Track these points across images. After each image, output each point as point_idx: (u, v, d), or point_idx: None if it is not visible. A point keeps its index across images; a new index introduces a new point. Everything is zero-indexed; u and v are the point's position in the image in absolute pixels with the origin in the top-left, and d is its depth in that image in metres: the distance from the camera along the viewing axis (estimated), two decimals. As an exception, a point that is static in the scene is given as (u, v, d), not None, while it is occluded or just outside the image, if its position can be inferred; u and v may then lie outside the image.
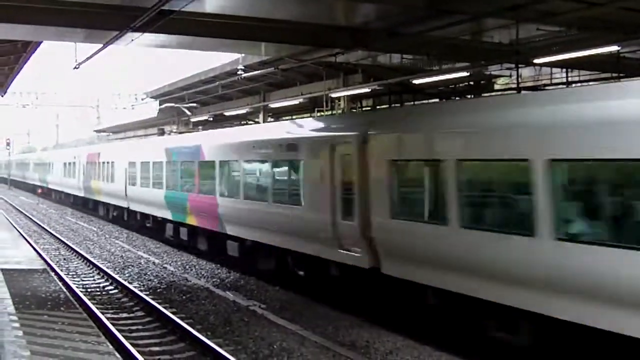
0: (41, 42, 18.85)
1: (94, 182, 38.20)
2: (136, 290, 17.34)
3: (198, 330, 13.41)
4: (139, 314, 15.71)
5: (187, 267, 21.92)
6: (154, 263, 22.62)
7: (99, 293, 18.10)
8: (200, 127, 35.05)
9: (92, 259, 22.74)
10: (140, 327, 14.52)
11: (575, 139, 9.33)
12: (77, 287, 18.06)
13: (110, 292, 18.29)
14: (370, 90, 23.39)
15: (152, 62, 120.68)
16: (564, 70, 22.38)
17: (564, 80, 22.60)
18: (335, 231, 14.71)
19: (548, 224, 9.59)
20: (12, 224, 33.53)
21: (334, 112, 26.34)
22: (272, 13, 15.70)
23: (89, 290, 18.37)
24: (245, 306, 15.99)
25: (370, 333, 13.49)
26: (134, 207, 30.59)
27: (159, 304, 15.87)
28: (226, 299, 16.92)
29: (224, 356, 11.67)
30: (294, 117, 32.13)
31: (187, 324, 13.89)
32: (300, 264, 17.33)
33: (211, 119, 35.79)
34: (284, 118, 34.31)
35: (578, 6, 13.97)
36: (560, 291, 9.55)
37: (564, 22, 15.80)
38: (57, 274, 19.47)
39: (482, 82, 24.94)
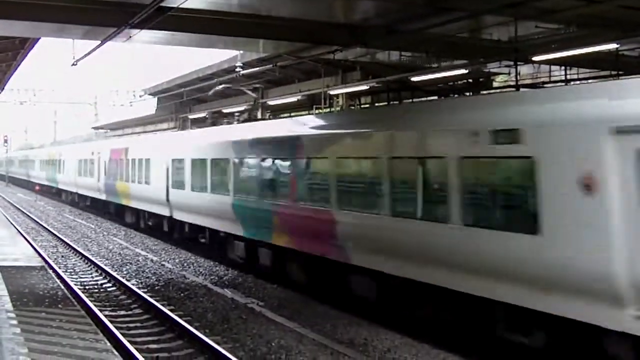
0: (39, 38, 18.82)
1: (120, 184, 32.03)
2: (134, 288, 17.32)
3: (196, 328, 13.39)
4: (137, 311, 15.70)
5: (185, 264, 21.90)
6: (152, 260, 22.60)
7: (97, 290, 18.08)
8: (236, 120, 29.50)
9: (90, 256, 22.71)
10: (138, 324, 14.50)
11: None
12: (75, 284, 18.05)
13: (108, 289, 18.27)
14: (368, 87, 23.37)
15: (150, 59, 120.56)
16: (563, 67, 22.37)
17: (563, 77, 22.59)
18: None
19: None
20: (9, 221, 33.47)
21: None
22: (271, 10, 15.68)
23: (87, 287, 18.35)
24: (244, 304, 15.98)
25: (369, 331, 13.48)
26: (180, 216, 24.48)
27: (157, 301, 15.86)
28: (224, 296, 16.91)
29: (222, 354, 11.65)
30: (291, 114, 32.08)
31: (185, 321, 13.87)
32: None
33: (208, 116, 35.74)
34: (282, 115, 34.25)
35: (577, 4, 13.97)
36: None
37: (563, 19, 15.79)
38: (55, 271, 19.44)
39: (480, 79, 24.94)
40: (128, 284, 17.97)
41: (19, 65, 24.38)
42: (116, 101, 50.84)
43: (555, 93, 11.73)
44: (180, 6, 13.21)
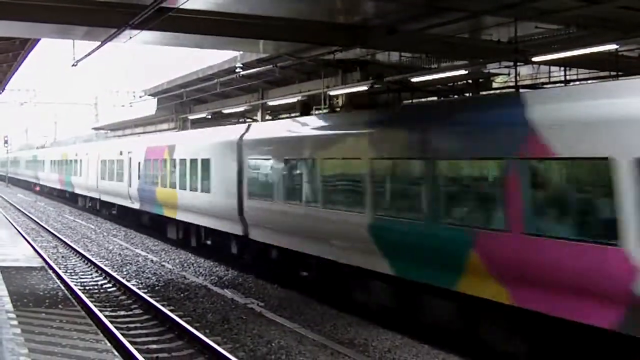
0: (39, 39, 18.81)
1: (162, 191, 26.28)
2: (134, 288, 17.33)
3: (196, 328, 13.41)
4: (137, 311, 15.71)
5: (185, 264, 21.90)
6: (152, 261, 22.61)
7: (97, 291, 18.09)
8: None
9: (90, 257, 22.73)
10: (138, 324, 14.52)
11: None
12: (75, 284, 18.06)
13: (109, 289, 18.28)
14: (368, 88, 23.36)
15: (150, 60, 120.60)
16: (563, 68, 22.37)
17: (562, 78, 22.59)
18: None
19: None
20: (10, 222, 33.48)
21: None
22: (271, 10, 15.67)
23: (87, 288, 18.36)
24: (244, 304, 15.98)
25: (369, 331, 13.49)
26: (260, 236, 18.48)
27: (157, 301, 15.87)
28: (224, 296, 16.92)
29: (222, 354, 11.66)
30: (291, 114, 32.06)
31: (185, 321, 13.89)
32: None
33: (209, 116, 35.73)
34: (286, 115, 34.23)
35: (577, 4, 13.96)
36: None
37: (563, 20, 15.78)
38: (55, 271, 19.46)
39: (480, 80, 24.93)
40: (128, 284, 17.98)
41: (19, 65, 24.37)
42: (116, 102, 50.83)
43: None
44: (181, 7, 13.21)
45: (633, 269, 8.62)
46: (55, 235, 29.27)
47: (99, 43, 17.13)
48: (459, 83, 24.71)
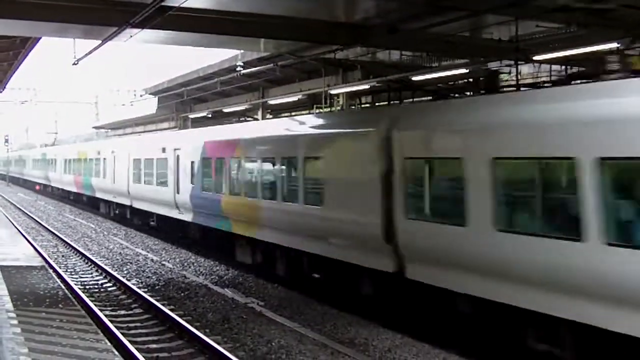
0: (40, 38, 18.81)
1: (230, 201, 20.07)
2: (134, 287, 17.31)
3: (196, 328, 13.39)
4: (137, 311, 15.69)
5: (186, 264, 21.89)
6: (152, 260, 22.59)
7: (97, 290, 18.07)
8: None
9: (90, 256, 22.70)
10: (138, 324, 14.50)
11: None
12: (75, 284, 18.04)
13: (109, 289, 18.26)
14: (369, 87, 23.37)
15: (151, 59, 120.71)
16: (564, 67, 22.34)
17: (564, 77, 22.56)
18: None
19: None
20: (10, 221, 33.46)
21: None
22: (272, 9, 15.66)
23: (87, 287, 18.34)
24: (244, 303, 15.96)
25: (369, 330, 13.47)
26: (431, 275, 12.48)
27: (158, 301, 15.86)
28: (224, 296, 16.90)
29: (222, 353, 11.65)
30: (292, 113, 32.05)
31: (186, 321, 13.87)
32: None
33: (210, 115, 35.75)
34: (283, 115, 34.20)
35: (578, 3, 13.95)
36: None
37: (564, 18, 15.77)
38: (55, 271, 19.44)
39: (481, 78, 24.90)
40: (128, 283, 17.97)
41: (19, 64, 24.36)
42: (117, 101, 50.84)
43: None
44: (181, 5, 13.20)
45: None
46: (56, 235, 29.25)
47: (99, 42, 17.12)
48: (460, 82, 24.69)
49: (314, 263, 16.22)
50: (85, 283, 18.97)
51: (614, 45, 16.32)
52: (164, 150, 25.97)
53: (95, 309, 14.74)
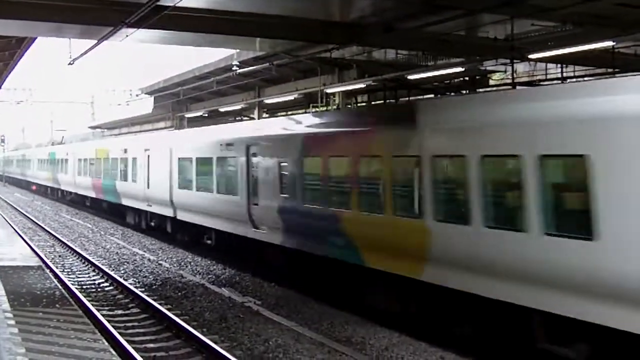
0: (35, 38, 18.78)
1: (360, 219, 14.22)
2: (131, 287, 17.32)
3: (194, 327, 13.40)
4: (135, 310, 15.70)
5: (183, 263, 21.89)
6: (149, 260, 22.59)
7: (94, 290, 18.07)
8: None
9: (87, 256, 22.70)
10: (135, 323, 14.51)
11: None
12: (72, 284, 18.04)
13: (106, 288, 18.26)
14: (365, 85, 23.38)
15: (147, 58, 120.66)
16: (559, 65, 22.40)
17: (559, 75, 22.62)
18: None
19: None
20: (6, 221, 33.45)
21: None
22: (267, 8, 15.66)
23: (84, 287, 18.34)
24: (241, 302, 15.98)
25: (366, 329, 13.50)
26: None
27: (155, 300, 15.87)
28: (222, 295, 16.91)
29: (219, 353, 11.66)
30: (288, 112, 32.06)
31: (183, 320, 13.88)
32: None
33: (206, 114, 35.73)
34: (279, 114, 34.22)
35: (573, 2, 13.97)
36: None
37: (559, 17, 15.80)
38: (52, 270, 19.43)
39: (477, 77, 24.95)
40: (125, 283, 17.97)
41: (15, 64, 24.33)
42: (113, 100, 50.77)
43: None
44: (177, 5, 13.20)
45: None
46: (53, 235, 29.23)
47: (95, 41, 17.11)
48: (456, 80, 24.74)
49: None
50: (82, 283, 18.97)
51: (609, 43, 16.38)
52: (226, 147, 20.19)
53: (93, 308, 14.74)
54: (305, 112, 23.64)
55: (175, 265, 21.58)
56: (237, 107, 32.80)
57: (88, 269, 21.26)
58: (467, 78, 24.62)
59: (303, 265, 17.06)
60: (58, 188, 48.88)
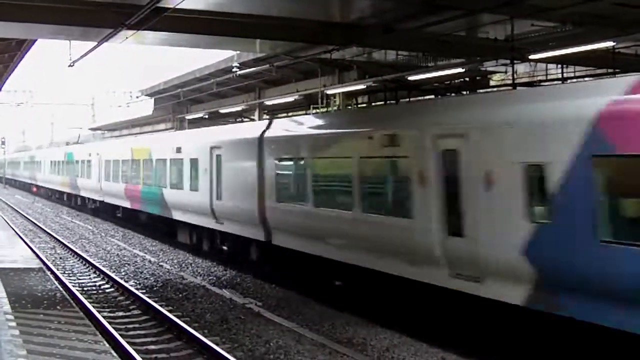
0: (35, 40, 18.79)
1: None
2: (132, 289, 17.32)
3: (195, 329, 13.40)
4: (136, 312, 15.70)
5: (183, 265, 21.89)
6: (150, 261, 22.59)
7: (95, 292, 18.07)
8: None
9: (88, 258, 22.70)
10: (136, 325, 14.50)
11: None
12: (73, 285, 18.03)
13: (107, 290, 18.26)
14: (365, 87, 23.40)
15: (147, 60, 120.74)
16: (559, 66, 22.39)
17: (559, 76, 22.62)
18: None
19: None
20: (7, 223, 33.45)
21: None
22: (267, 10, 15.66)
23: (85, 288, 18.34)
24: (242, 304, 15.98)
25: (367, 330, 13.49)
26: None
27: (156, 302, 15.86)
28: (222, 297, 16.91)
29: (220, 354, 11.66)
30: (289, 114, 32.06)
31: (184, 322, 13.88)
32: None
33: (206, 116, 35.75)
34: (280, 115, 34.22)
35: (573, 2, 13.97)
36: None
37: (559, 17, 15.80)
38: (53, 272, 19.43)
39: (477, 78, 24.97)
40: (126, 285, 17.97)
41: (15, 66, 24.34)
42: (113, 102, 50.75)
43: None
44: (177, 7, 13.20)
45: None
46: (53, 237, 29.23)
47: (95, 43, 17.11)
48: (456, 81, 24.75)
49: None
50: (83, 285, 18.97)
51: (609, 43, 16.39)
52: (393, 141, 13.26)
53: (94, 310, 14.73)
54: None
55: (176, 266, 21.57)
56: (238, 108, 32.81)
57: (89, 270, 21.26)
58: (467, 79, 24.64)
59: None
60: (77, 195, 42.03)
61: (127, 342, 12.40)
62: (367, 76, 23.50)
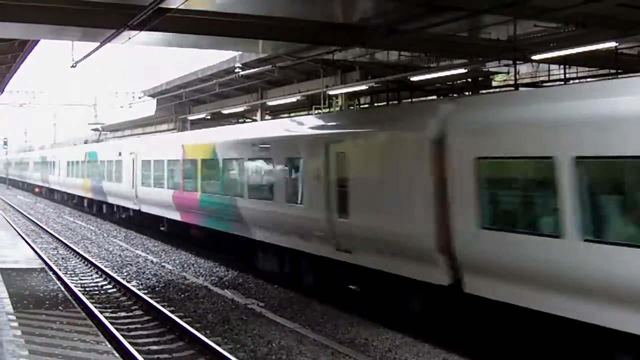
0: (38, 40, 18.80)
1: None
2: (134, 289, 17.32)
3: (197, 329, 13.40)
4: (138, 312, 15.69)
5: (186, 265, 21.89)
6: (152, 262, 22.59)
7: (97, 292, 18.07)
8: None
9: (90, 258, 22.70)
10: (139, 326, 14.50)
11: None
12: (75, 286, 18.04)
13: (109, 291, 18.26)
14: (367, 87, 23.38)
15: (150, 61, 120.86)
16: (562, 66, 22.35)
17: (562, 76, 22.57)
18: None
19: None
20: (10, 223, 33.46)
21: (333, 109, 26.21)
22: (270, 10, 15.68)
23: (87, 289, 18.34)
24: (244, 304, 15.97)
25: (370, 331, 13.48)
26: None
27: (158, 302, 15.86)
28: (224, 297, 16.90)
29: (222, 354, 11.65)
30: (291, 114, 32.05)
31: (186, 322, 13.88)
32: None
33: (209, 117, 35.74)
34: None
35: (576, 2, 13.96)
36: None
37: (562, 18, 15.79)
38: (55, 273, 19.43)
39: (479, 78, 24.93)
40: (128, 285, 17.97)
41: (18, 67, 24.37)
42: (115, 103, 50.70)
43: None
44: (180, 7, 13.21)
45: None
46: (55, 237, 29.25)
47: (97, 44, 17.13)
48: (459, 82, 24.71)
49: None
50: (85, 285, 18.97)
51: (612, 44, 16.36)
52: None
53: (96, 311, 14.74)
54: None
55: (178, 267, 21.57)
56: (240, 109, 32.82)
57: (91, 271, 21.26)
58: (469, 79, 24.60)
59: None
60: (102, 201, 36.42)
61: (129, 343, 12.40)
62: (369, 77, 23.50)
